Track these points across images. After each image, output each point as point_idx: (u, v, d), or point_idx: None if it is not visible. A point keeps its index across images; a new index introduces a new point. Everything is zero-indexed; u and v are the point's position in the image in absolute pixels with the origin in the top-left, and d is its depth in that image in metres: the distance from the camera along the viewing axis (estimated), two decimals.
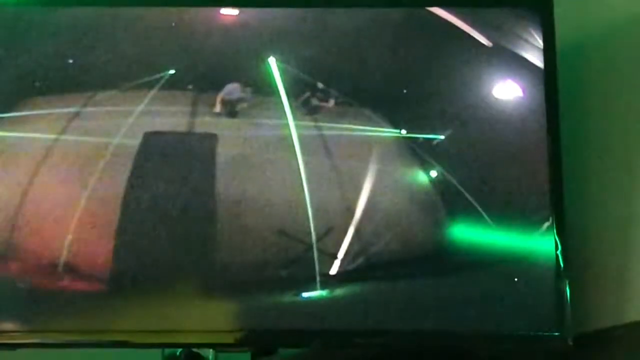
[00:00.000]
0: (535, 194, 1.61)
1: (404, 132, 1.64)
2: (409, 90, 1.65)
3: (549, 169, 1.61)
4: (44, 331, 1.58)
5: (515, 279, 1.58)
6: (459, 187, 1.61)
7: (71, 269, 1.58)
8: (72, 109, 1.64)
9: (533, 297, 1.58)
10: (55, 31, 1.69)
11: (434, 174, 1.62)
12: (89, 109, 1.64)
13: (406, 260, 1.60)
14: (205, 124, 1.64)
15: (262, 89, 1.65)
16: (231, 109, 1.62)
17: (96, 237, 1.59)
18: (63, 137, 1.63)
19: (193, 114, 1.64)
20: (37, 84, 1.66)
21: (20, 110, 1.65)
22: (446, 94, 1.66)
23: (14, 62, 1.67)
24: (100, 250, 1.58)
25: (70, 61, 1.66)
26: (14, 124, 1.64)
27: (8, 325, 1.58)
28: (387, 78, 1.67)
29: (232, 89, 1.62)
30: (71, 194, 1.60)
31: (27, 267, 1.59)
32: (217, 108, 1.62)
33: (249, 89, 1.64)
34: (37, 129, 1.63)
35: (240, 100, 1.62)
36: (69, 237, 1.58)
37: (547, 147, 1.62)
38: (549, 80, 1.65)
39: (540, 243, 1.59)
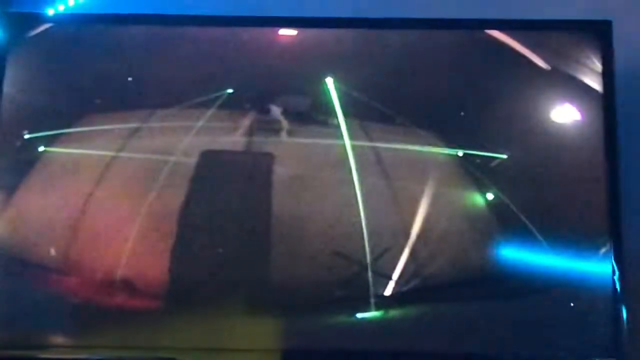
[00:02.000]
0: (593, 218, 1.60)
1: (460, 153, 1.64)
2: (466, 112, 1.65)
3: (606, 193, 1.60)
4: (96, 347, 1.59)
5: (571, 304, 1.57)
6: (515, 209, 1.60)
7: (126, 285, 1.59)
8: (131, 126, 1.66)
9: (589, 323, 1.56)
10: (115, 49, 1.71)
11: (490, 196, 1.62)
12: (148, 125, 1.66)
13: (460, 283, 1.59)
14: (262, 143, 1.65)
15: (320, 109, 1.65)
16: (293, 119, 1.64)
17: (152, 254, 1.59)
18: (122, 153, 1.64)
19: (250, 133, 1.65)
20: (97, 101, 1.67)
21: (80, 127, 1.66)
22: (503, 116, 1.66)
23: (76, 79, 1.69)
24: (155, 267, 1.59)
25: (130, 79, 1.68)
26: (74, 140, 1.66)
27: (60, 340, 1.59)
28: (444, 99, 1.67)
29: (297, 102, 1.63)
30: (128, 210, 1.61)
31: (82, 283, 1.59)
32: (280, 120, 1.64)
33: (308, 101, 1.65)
34: (96, 146, 1.65)
35: (298, 113, 1.63)
36: (126, 253, 1.59)
37: (605, 170, 1.61)
38: (608, 104, 1.64)
39: (597, 268, 1.58)
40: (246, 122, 1.65)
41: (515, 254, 1.60)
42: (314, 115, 1.66)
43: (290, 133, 1.65)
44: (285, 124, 1.65)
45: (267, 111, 1.65)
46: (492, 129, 1.65)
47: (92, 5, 1.78)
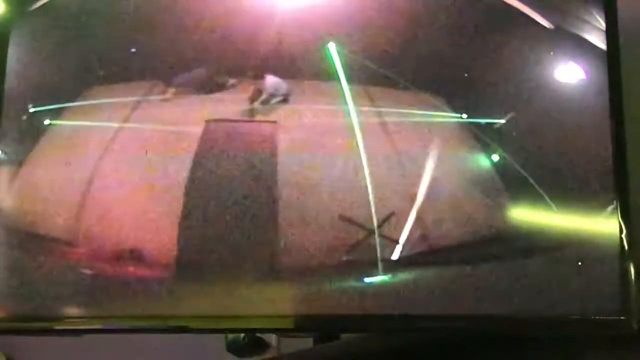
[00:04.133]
0: (599, 176, 1.59)
1: (465, 116, 1.63)
2: (470, 74, 1.65)
3: (612, 151, 1.60)
4: (109, 317, 1.61)
5: (579, 263, 1.57)
6: (521, 170, 1.60)
7: (135, 255, 1.60)
8: (136, 98, 1.66)
9: (597, 281, 1.56)
10: (117, 20, 1.71)
11: (495, 157, 1.62)
12: (153, 97, 1.66)
13: (468, 245, 1.60)
14: (266, 110, 1.65)
15: (322, 74, 1.65)
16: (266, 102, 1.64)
17: (160, 223, 1.61)
18: (127, 125, 1.65)
19: (252, 101, 1.65)
20: (101, 72, 1.68)
21: (84, 99, 1.67)
22: (507, 77, 1.65)
23: (78, 51, 1.70)
24: (164, 236, 1.60)
25: (133, 50, 1.68)
26: (78, 113, 1.67)
27: (73, 311, 1.61)
28: (448, 62, 1.66)
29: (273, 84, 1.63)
30: (135, 181, 1.62)
31: (92, 254, 1.61)
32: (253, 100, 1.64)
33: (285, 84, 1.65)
34: (102, 118, 1.66)
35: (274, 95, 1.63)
36: (134, 223, 1.60)
37: (610, 129, 1.61)
38: (612, 62, 1.63)
39: (604, 226, 1.58)
40: (249, 90, 1.65)
41: (521, 215, 1.60)
42: (316, 80, 1.65)
43: (293, 99, 1.64)
44: (287, 91, 1.64)
45: (264, 79, 1.65)
46: (496, 90, 1.64)
47: None
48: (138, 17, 1.71)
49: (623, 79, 1.62)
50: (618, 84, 1.62)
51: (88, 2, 1.72)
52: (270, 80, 1.64)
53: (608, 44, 1.64)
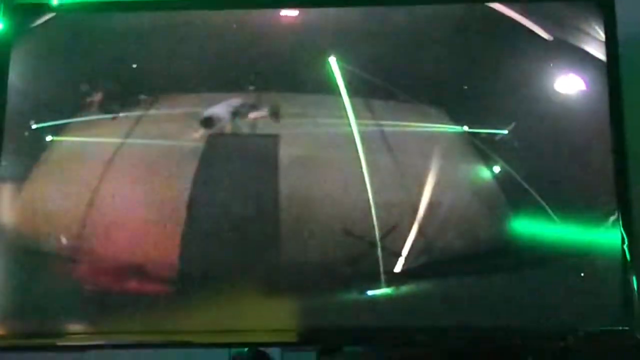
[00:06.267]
0: (600, 187, 1.60)
1: (465, 128, 1.64)
2: (470, 87, 1.65)
3: (613, 161, 1.60)
4: (112, 332, 1.60)
5: (582, 274, 1.57)
6: (523, 182, 1.60)
7: (138, 271, 1.60)
8: (137, 113, 1.67)
9: (600, 292, 1.56)
10: (117, 37, 1.71)
11: (496, 169, 1.62)
12: (154, 112, 1.67)
13: (470, 257, 1.60)
14: (267, 124, 1.66)
15: (323, 88, 1.66)
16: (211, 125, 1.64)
17: (162, 238, 1.61)
18: (129, 140, 1.65)
19: (255, 115, 1.66)
20: (103, 88, 1.68)
21: (86, 115, 1.67)
22: (508, 89, 1.65)
23: (79, 67, 1.70)
24: (166, 252, 1.60)
25: (134, 66, 1.69)
26: (79, 129, 1.67)
27: (76, 327, 1.61)
28: (448, 75, 1.67)
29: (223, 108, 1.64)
30: (138, 196, 1.63)
31: (94, 270, 1.61)
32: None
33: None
34: (103, 133, 1.66)
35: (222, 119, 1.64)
36: (136, 239, 1.60)
37: (611, 139, 1.61)
38: (612, 73, 1.63)
39: (607, 237, 1.58)
40: (250, 104, 1.66)
41: (524, 227, 1.60)
42: (318, 94, 1.65)
43: (294, 114, 1.65)
44: (289, 103, 1.65)
45: (271, 92, 1.65)
46: (496, 102, 1.64)
47: None
48: (137, 34, 1.71)
49: (623, 90, 1.63)
50: (618, 94, 1.63)
51: (88, 19, 1.73)
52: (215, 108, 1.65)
53: (607, 55, 1.64)
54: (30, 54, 1.71)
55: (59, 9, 1.74)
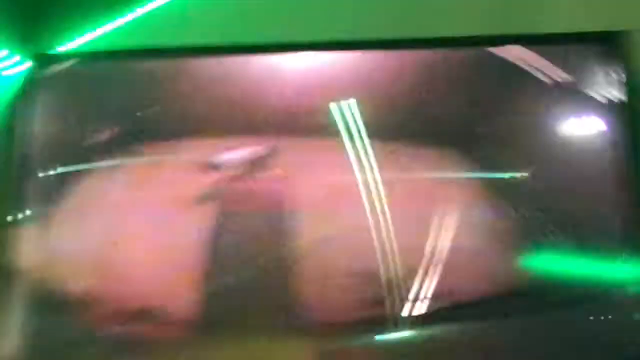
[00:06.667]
0: (621, 228, 1.58)
1: (482, 172, 1.63)
2: (486, 131, 1.65)
3: (632, 201, 1.58)
4: None
5: (604, 316, 1.55)
6: (541, 224, 1.59)
7: (156, 314, 1.60)
8: (155, 158, 1.68)
9: (624, 333, 1.54)
10: (136, 83, 1.74)
11: (514, 212, 1.61)
12: (172, 157, 1.68)
13: (489, 300, 1.58)
14: (280, 168, 1.66)
15: (337, 131, 1.66)
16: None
17: (180, 282, 1.61)
18: (148, 185, 1.67)
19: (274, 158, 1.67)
20: (120, 134, 1.70)
21: (107, 160, 1.69)
22: (524, 132, 1.65)
23: (99, 114, 1.73)
24: (184, 295, 1.60)
25: (151, 111, 1.71)
26: (98, 173, 1.69)
27: None
28: (464, 118, 1.67)
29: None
30: (155, 241, 1.63)
31: (113, 314, 1.61)
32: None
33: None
34: (120, 178, 1.68)
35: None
36: (154, 283, 1.61)
37: (628, 179, 1.60)
38: (628, 115, 1.63)
39: (630, 277, 1.56)
40: (263, 148, 1.67)
41: (544, 269, 1.58)
42: (332, 137, 1.66)
43: (308, 158, 1.66)
44: (305, 147, 1.66)
45: (287, 135, 1.66)
46: (513, 145, 1.64)
47: (108, 41, 1.79)
48: (152, 81, 1.73)
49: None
50: (635, 136, 1.62)
51: (106, 67, 1.76)
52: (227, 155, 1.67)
53: (626, 97, 1.64)
54: (50, 101, 1.74)
55: (79, 56, 1.76)
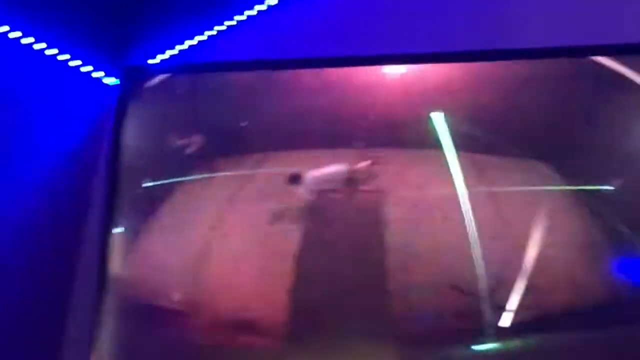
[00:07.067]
0: None
1: (573, 183, 1.63)
2: (577, 142, 1.65)
3: None
4: None
5: None
6: (632, 237, 1.58)
7: (249, 324, 1.63)
8: (246, 171, 1.71)
9: None
10: (226, 95, 1.76)
11: (605, 224, 1.60)
12: (263, 169, 1.71)
13: (580, 312, 1.58)
14: (373, 179, 1.68)
15: (429, 143, 1.67)
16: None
17: (272, 293, 1.63)
18: (238, 198, 1.69)
19: (362, 171, 1.68)
20: (210, 147, 1.73)
21: (197, 173, 1.72)
22: (617, 143, 1.64)
23: (189, 127, 1.75)
24: (276, 305, 1.63)
25: (243, 124, 1.73)
26: (191, 186, 1.72)
27: None
28: (555, 129, 1.66)
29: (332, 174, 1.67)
30: (247, 252, 1.66)
31: (207, 325, 1.64)
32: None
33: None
34: (213, 192, 1.70)
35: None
36: (247, 294, 1.63)
37: None
38: None
39: None
40: (356, 160, 1.68)
41: (634, 281, 1.57)
42: (423, 149, 1.67)
43: (400, 169, 1.67)
44: (395, 159, 1.67)
45: (377, 148, 1.67)
46: (605, 156, 1.63)
47: (197, 54, 1.80)
48: (247, 94, 1.75)
49: None
50: None
51: (198, 80, 1.77)
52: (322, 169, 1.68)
53: None
54: (142, 114, 1.75)
55: (170, 70, 1.78)
